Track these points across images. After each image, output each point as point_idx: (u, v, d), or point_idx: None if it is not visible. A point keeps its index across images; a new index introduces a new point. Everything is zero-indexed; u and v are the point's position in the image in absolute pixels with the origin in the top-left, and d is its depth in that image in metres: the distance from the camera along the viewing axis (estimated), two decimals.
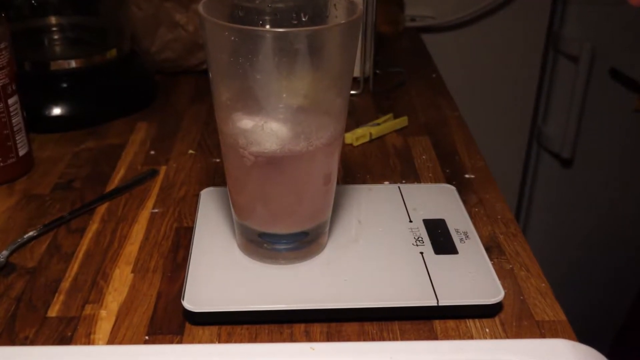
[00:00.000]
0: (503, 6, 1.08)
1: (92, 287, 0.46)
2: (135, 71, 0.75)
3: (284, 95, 0.40)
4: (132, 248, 0.50)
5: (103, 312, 0.43)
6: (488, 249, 0.49)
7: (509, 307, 0.44)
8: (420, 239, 0.48)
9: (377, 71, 0.83)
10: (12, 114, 0.57)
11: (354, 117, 0.71)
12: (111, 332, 0.42)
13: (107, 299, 0.45)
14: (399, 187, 0.55)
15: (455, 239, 0.48)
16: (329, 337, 0.41)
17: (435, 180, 0.59)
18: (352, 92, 0.77)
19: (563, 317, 0.43)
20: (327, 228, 0.47)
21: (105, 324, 0.42)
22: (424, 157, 0.63)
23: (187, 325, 0.42)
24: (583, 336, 0.43)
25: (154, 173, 0.60)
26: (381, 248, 0.47)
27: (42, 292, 0.45)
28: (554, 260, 1.25)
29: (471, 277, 0.44)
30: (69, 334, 0.42)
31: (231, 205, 0.46)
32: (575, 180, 1.22)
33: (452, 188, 0.55)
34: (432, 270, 0.45)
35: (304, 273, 0.45)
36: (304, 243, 0.46)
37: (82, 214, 0.54)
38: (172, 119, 0.71)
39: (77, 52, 0.71)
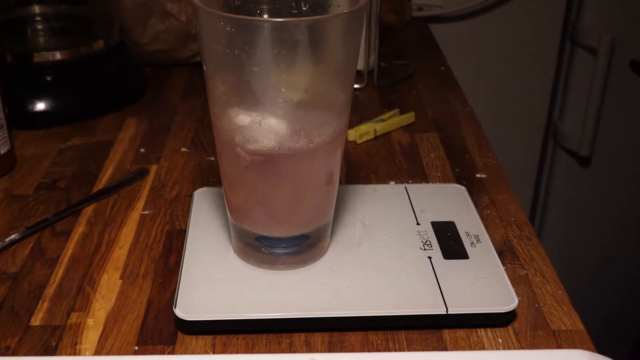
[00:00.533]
0: None
1: (78, 293, 0.46)
2: (125, 63, 0.75)
3: (283, 90, 0.40)
4: (120, 252, 0.50)
5: (90, 321, 0.43)
6: (501, 254, 0.49)
7: (523, 315, 0.44)
8: (428, 242, 0.48)
9: (382, 64, 0.83)
10: None
11: (358, 113, 0.71)
12: (98, 342, 0.42)
13: (94, 307, 0.45)
14: (405, 187, 0.55)
15: (466, 242, 0.48)
16: (331, 348, 0.41)
17: (445, 180, 0.59)
18: (356, 86, 0.77)
19: (581, 326, 0.43)
20: (329, 231, 0.47)
21: (92, 333, 0.42)
22: (432, 155, 0.63)
23: (180, 334, 0.42)
24: (602, 346, 0.43)
25: (144, 172, 0.60)
26: (386, 252, 0.47)
27: (25, 299, 0.45)
28: (572, 266, 1.25)
29: (483, 284, 0.44)
30: (54, 343, 0.42)
31: (226, 207, 0.46)
32: (593, 179, 1.22)
33: (463, 188, 0.55)
34: (440, 276, 0.45)
35: (304, 279, 0.45)
36: (304, 247, 0.46)
37: (68, 216, 0.54)
38: (163, 115, 0.71)
39: (63, 43, 0.71)
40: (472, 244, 0.48)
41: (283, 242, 0.45)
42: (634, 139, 1.17)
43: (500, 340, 0.42)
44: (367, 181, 0.59)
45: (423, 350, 0.41)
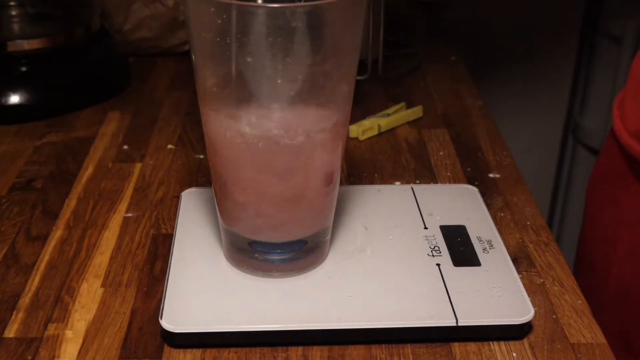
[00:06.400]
0: None
1: (56, 303, 0.46)
2: (106, 53, 0.75)
3: (279, 81, 0.40)
4: (101, 258, 0.50)
5: (69, 333, 0.44)
6: (516, 261, 0.49)
7: (540, 327, 0.44)
8: (436, 248, 0.48)
9: (388, 53, 0.83)
10: None
11: (360, 107, 0.71)
12: (78, 356, 0.42)
13: (73, 317, 0.45)
14: (412, 188, 0.55)
15: (478, 248, 0.48)
16: None
17: (455, 180, 0.59)
18: (358, 77, 0.77)
19: (602, 339, 0.43)
20: (329, 236, 0.48)
21: (71, 346, 0.43)
22: (441, 153, 0.64)
23: (166, 347, 0.42)
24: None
25: None
26: (391, 259, 0.47)
27: None
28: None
29: (496, 293, 0.44)
30: (30, 357, 0.42)
31: (217, 209, 0.47)
32: None
33: (474, 189, 0.55)
34: (450, 284, 0.45)
35: (301, 288, 0.45)
36: (301, 253, 0.46)
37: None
38: (148, 109, 0.71)
39: (39, 30, 0.72)
40: (484, 249, 0.48)
41: (278, 248, 0.46)
42: None
43: (514, 354, 0.42)
44: (371, 181, 0.59)
45: None
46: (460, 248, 0.48)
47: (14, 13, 0.72)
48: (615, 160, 0.57)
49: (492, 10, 1.10)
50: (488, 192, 0.57)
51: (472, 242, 0.49)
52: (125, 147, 0.64)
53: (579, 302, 0.46)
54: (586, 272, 0.62)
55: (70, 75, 0.71)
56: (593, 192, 0.64)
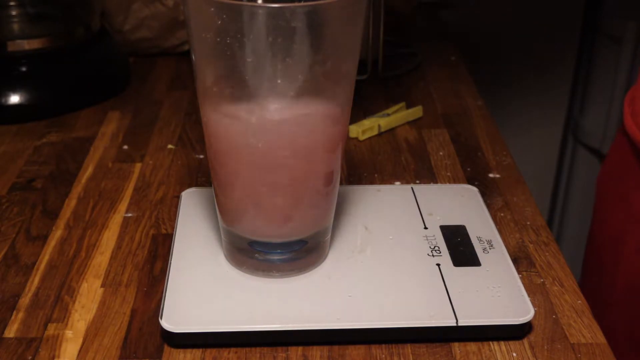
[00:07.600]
0: None
1: (56, 303, 0.46)
2: (106, 53, 0.76)
3: (279, 81, 0.40)
4: (101, 258, 0.50)
5: (69, 333, 0.44)
6: (516, 261, 0.49)
7: (540, 327, 0.44)
8: (436, 248, 0.48)
9: (387, 53, 0.83)
10: None
11: (360, 107, 0.71)
12: (78, 356, 0.42)
13: (73, 317, 0.45)
14: (412, 188, 0.55)
15: (478, 248, 0.48)
16: None
17: (455, 180, 0.60)
18: (358, 77, 0.77)
19: (602, 339, 0.43)
20: (329, 236, 0.48)
21: (71, 345, 0.43)
22: (441, 153, 0.64)
23: (166, 347, 0.42)
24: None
25: None
26: (391, 259, 0.48)
27: None
28: None
29: (496, 293, 0.44)
30: (30, 357, 0.42)
31: (217, 209, 0.47)
32: None
33: (474, 189, 0.55)
34: (450, 284, 0.45)
35: (301, 288, 0.45)
36: (301, 253, 0.46)
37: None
38: (148, 109, 0.71)
39: (39, 30, 0.72)
40: (484, 249, 0.48)
41: (278, 248, 0.46)
42: None
43: (514, 354, 0.42)
44: (370, 181, 0.59)
45: None
46: (460, 248, 0.48)
47: (14, 13, 0.72)
48: (625, 157, 0.57)
49: (492, 10, 1.10)
50: (488, 192, 0.57)
51: (472, 242, 0.49)
52: (125, 147, 0.64)
53: (579, 302, 0.46)
54: (594, 270, 0.62)
55: (70, 75, 0.71)
56: (602, 190, 0.64)
